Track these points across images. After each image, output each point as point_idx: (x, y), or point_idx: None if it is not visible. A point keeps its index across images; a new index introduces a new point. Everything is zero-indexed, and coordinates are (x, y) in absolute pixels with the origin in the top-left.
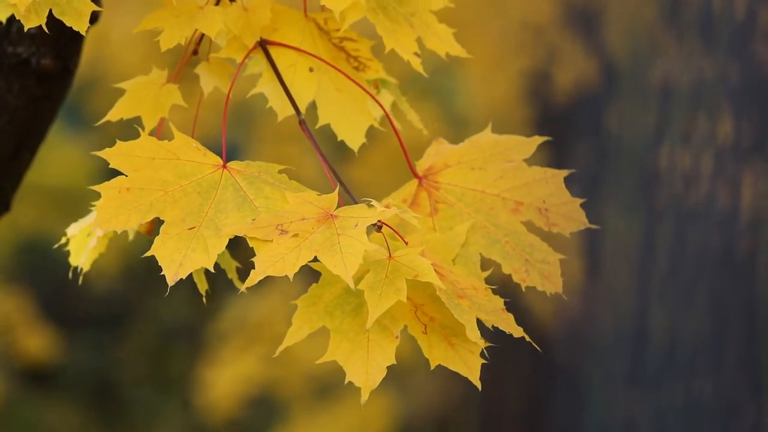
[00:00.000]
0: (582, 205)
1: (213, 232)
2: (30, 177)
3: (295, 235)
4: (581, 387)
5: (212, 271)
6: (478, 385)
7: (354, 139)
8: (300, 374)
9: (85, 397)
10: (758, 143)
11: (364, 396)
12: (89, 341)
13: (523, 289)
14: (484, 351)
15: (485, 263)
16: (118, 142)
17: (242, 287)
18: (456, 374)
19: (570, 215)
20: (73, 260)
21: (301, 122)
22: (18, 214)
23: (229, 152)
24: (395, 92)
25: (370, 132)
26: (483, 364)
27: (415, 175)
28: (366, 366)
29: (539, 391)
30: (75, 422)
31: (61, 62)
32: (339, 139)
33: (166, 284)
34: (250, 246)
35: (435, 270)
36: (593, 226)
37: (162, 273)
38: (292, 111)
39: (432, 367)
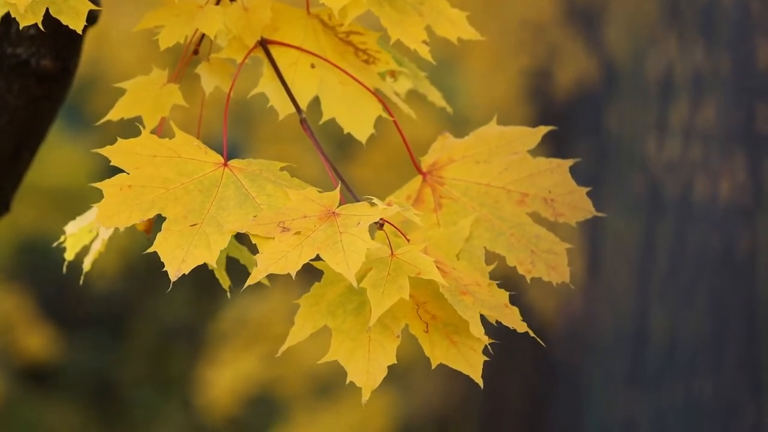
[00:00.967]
0: (589, 192)
1: (215, 228)
2: (30, 177)
3: (297, 233)
4: (581, 387)
5: (216, 266)
6: (480, 383)
7: (361, 131)
8: (300, 374)
9: (85, 397)
10: (760, 140)
11: (365, 396)
12: (89, 341)
13: (528, 281)
14: (488, 347)
15: (489, 258)
16: (119, 139)
17: (248, 282)
18: (456, 374)
19: (576, 204)
20: (69, 255)
21: (302, 121)
22: (18, 214)
23: (229, 152)
24: (413, 72)
25: (378, 123)
26: (484, 362)
27: (420, 171)
28: (367, 366)
29: (539, 391)
30: (75, 422)
31: (60, 63)
32: (345, 132)
33: (167, 283)
34: (253, 243)
35: (437, 267)
36: (600, 214)
37: (163, 272)
38: (294, 110)
39: (434, 366)
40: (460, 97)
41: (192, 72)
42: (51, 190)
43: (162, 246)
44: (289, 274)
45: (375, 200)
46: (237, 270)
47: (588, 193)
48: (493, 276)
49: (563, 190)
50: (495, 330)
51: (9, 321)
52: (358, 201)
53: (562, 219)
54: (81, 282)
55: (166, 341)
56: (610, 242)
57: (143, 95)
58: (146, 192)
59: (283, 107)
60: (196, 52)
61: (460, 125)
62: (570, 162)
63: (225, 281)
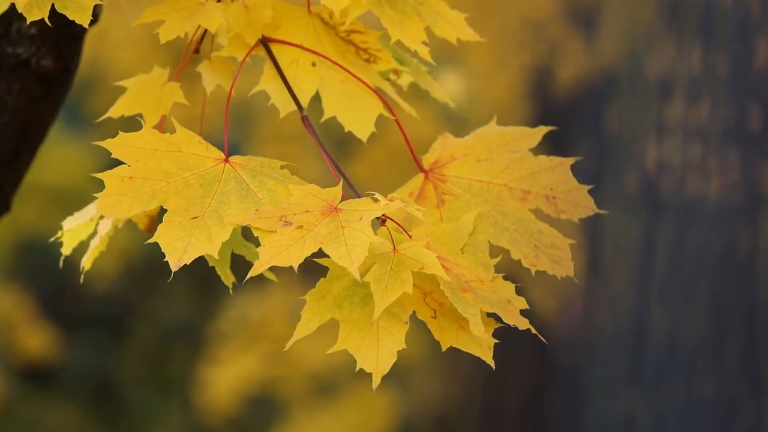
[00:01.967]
0: (590, 189)
1: (216, 221)
2: (30, 176)
3: (300, 227)
4: (581, 387)
5: (217, 257)
6: (492, 364)
7: (362, 129)
8: (300, 373)
9: (85, 397)
10: (760, 139)
11: (376, 381)
12: (89, 341)
13: (533, 273)
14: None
15: (494, 252)
16: (121, 133)
17: (250, 274)
18: (456, 374)
19: (578, 201)
20: (65, 249)
21: (304, 118)
22: (18, 214)
23: (229, 150)
24: (416, 69)
25: (378, 122)
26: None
27: (421, 169)
28: (377, 352)
29: (539, 391)
30: (75, 422)
31: (61, 62)
32: (346, 130)
33: (167, 284)
34: (255, 236)
35: (440, 262)
36: (602, 211)
37: (163, 272)
38: (295, 108)
39: (444, 349)
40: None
41: (193, 70)
42: (51, 190)
43: (163, 237)
44: (289, 274)
45: (377, 196)
46: (238, 270)
47: (589, 192)
48: (498, 270)
49: (565, 187)
50: (495, 329)
51: (9, 321)
52: (360, 197)
53: (564, 216)
54: (81, 281)
55: (166, 341)
56: (610, 242)
57: (144, 93)
58: (147, 184)
59: (284, 105)
60: (197, 50)
61: (460, 124)
62: (571, 160)
63: (228, 278)
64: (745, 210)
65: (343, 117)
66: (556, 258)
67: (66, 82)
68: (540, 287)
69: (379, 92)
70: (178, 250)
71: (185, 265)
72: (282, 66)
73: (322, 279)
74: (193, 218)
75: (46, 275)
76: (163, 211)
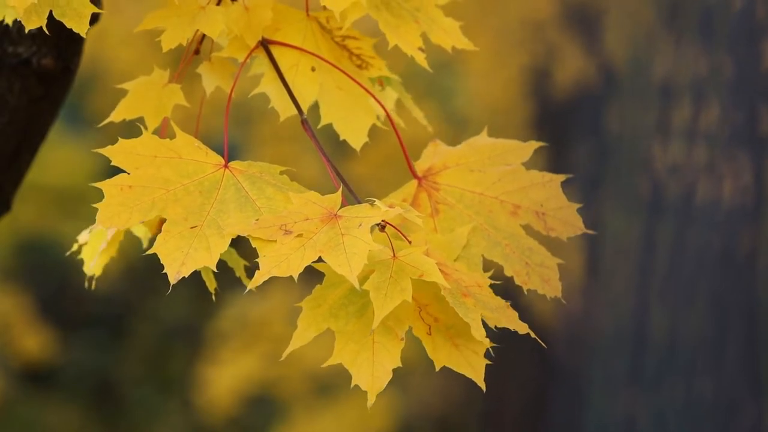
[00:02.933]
0: (581, 207)
1: (215, 231)
2: (30, 177)
3: (299, 235)
4: (581, 387)
5: (215, 270)
6: (483, 386)
7: (356, 139)
8: (300, 373)
9: (85, 397)
10: (761, 140)
11: (371, 399)
12: (89, 341)
13: (525, 292)
14: (490, 350)
15: (487, 265)
16: (120, 139)
17: (250, 285)
18: (457, 374)
19: (567, 220)
20: (87, 269)
21: (304, 122)
22: (18, 214)
23: (229, 151)
24: (399, 89)
25: (371, 130)
26: (486, 364)
27: (415, 176)
28: (372, 369)
29: (539, 391)
30: (75, 422)
31: (61, 62)
32: (341, 138)
33: (168, 283)
34: (254, 246)
35: (439, 269)
36: (590, 232)
37: (163, 272)
38: (294, 111)
39: (437, 369)
40: (460, 97)
41: (193, 70)
42: (51, 190)
43: (162, 248)
44: (291, 276)
45: (377, 202)
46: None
47: (588, 194)
48: (493, 278)
49: (555, 204)
50: (496, 330)
51: (9, 321)
52: (359, 202)
53: (553, 234)
54: (91, 286)
55: (166, 341)
56: (610, 242)
57: (145, 96)
58: (147, 193)
59: (284, 108)
60: (197, 51)
61: (460, 125)
62: (562, 177)
63: (211, 284)
64: (745, 210)
65: (338, 125)
66: (545, 277)
67: (66, 82)
68: None
69: (381, 94)
70: (177, 262)
71: None
72: (282, 69)
73: (318, 286)
74: (192, 228)
75: (46, 275)
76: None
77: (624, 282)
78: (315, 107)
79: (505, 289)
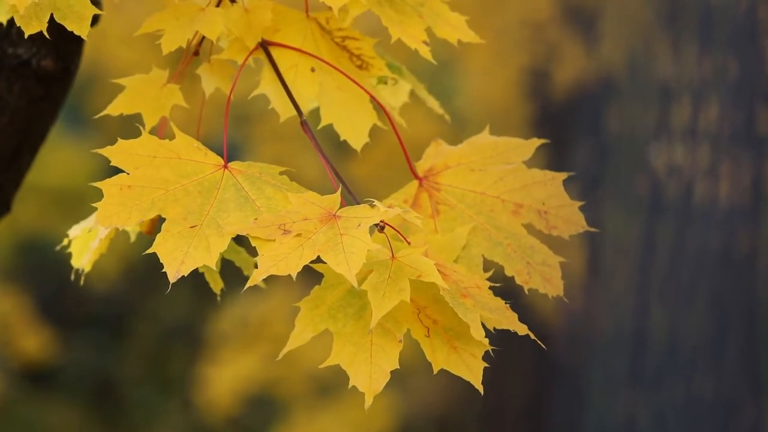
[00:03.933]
0: (582, 206)
1: (214, 230)
2: (30, 177)
3: (298, 235)
4: (581, 387)
5: (215, 268)
6: (481, 389)
7: (356, 139)
8: (300, 373)
9: (85, 397)
10: (760, 140)
11: (368, 401)
12: (89, 341)
13: (526, 292)
14: (490, 352)
15: (487, 265)
16: (119, 140)
17: (248, 284)
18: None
19: (569, 218)
20: (76, 262)
21: (303, 123)
22: (18, 215)
23: (228, 150)
24: (412, 80)
25: (372, 130)
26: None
27: (416, 176)
28: (369, 370)
29: (539, 391)
30: (75, 422)
31: (61, 63)
32: (342, 139)
33: (167, 282)
34: (253, 245)
35: (438, 270)
36: (592, 229)
37: (163, 272)
38: (294, 112)
39: (435, 371)
40: (460, 97)
41: (192, 70)
42: (51, 191)
43: (161, 247)
44: (290, 275)
45: (376, 203)
46: (236, 270)
47: (588, 194)
48: (493, 279)
49: (557, 202)
50: (494, 337)
51: (8, 321)
52: (358, 203)
53: (555, 232)
54: (80, 280)
55: (166, 341)
56: (610, 242)
57: (143, 93)
58: (146, 192)
59: (284, 109)
60: (196, 53)
61: (459, 125)
62: (564, 175)
63: (217, 285)
64: (745, 210)
65: (338, 125)
66: (547, 276)
67: (66, 83)
68: None
69: (375, 98)
70: (177, 261)
71: None
72: (282, 70)
73: (317, 287)
74: (191, 227)
75: (46, 275)
76: (161, 221)
77: (624, 282)
78: (315, 110)
79: (505, 289)
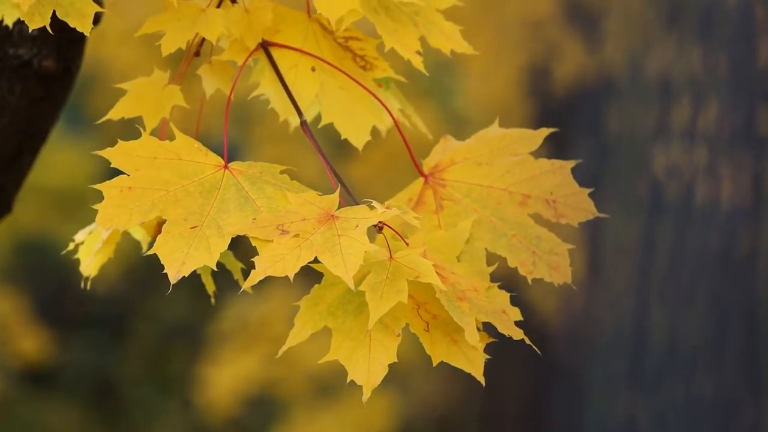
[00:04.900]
0: (591, 193)
1: (215, 231)
2: (30, 178)
3: (296, 236)
4: (581, 387)
5: (215, 269)
6: (482, 380)
7: (358, 138)
8: (300, 374)
9: (85, 397)
10: (760, 140)
11: (366, 394)
12: (89, 341)
13: (530, 282)
14: (490, 346)
15: (491, 259)
16: (120, 141)
17: (245, 285)
18: (457, 374)
19: (578, 205)
20: (84, 269)
21: (303, 123)
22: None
23: (228, 150)
24: (399, 97)
25: (374, 130)
26: (485, 360)
27: (421, 174)
28: (368, 364)
29: (539, 391)
30: (75, 422)
31: (62, 64)
32: (343, 137)
33: (168, 283)
34: (253, 245)
35: (436, 271)
36: (602, 215)
37: (163, 272)
38: (294, 112)
39: (434, 364)
40: (460, 97)
41: (192, 70)
42: (51, 191)
43: (162, 248)
44: (288, 276)
45: (374, 203)
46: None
47: (589, 194)
48: (493, 277)
49: (565, 191)
50: (495, 330)
51: (8, 321)
52: (357, 204)
53: (564, 220)
54: (86, 286)
55: (166, 341)
56: (610, 242)
57: (144, 96)
58: (146, 194)
59: (284, 110)
60: (197, 53)
61: (459, 125)
62: (572, 163)
63: (210, 286)
64: (745, 210)
65: (340, 124)
66: (554, 264)
67: (67, 83)
68: (540, 287)
69: (378, 98)
70: (177, 262)
71: None
72: (282, 70)
73: (317, 285)
74: (192, 228)
75: (45, 276)
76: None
77: (624, 282)
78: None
79: (506, 290)
